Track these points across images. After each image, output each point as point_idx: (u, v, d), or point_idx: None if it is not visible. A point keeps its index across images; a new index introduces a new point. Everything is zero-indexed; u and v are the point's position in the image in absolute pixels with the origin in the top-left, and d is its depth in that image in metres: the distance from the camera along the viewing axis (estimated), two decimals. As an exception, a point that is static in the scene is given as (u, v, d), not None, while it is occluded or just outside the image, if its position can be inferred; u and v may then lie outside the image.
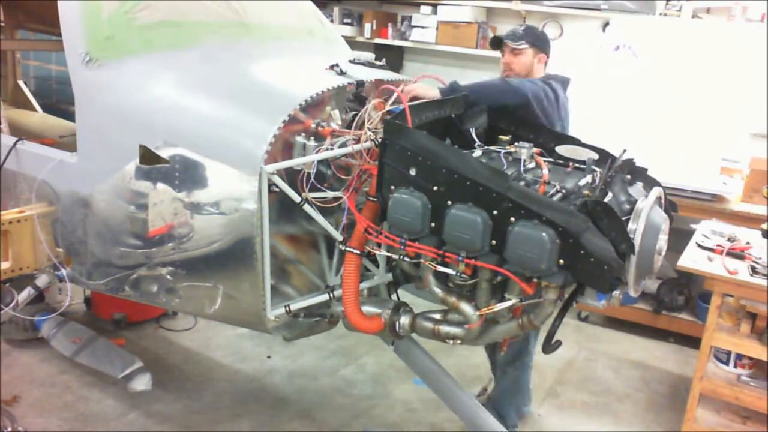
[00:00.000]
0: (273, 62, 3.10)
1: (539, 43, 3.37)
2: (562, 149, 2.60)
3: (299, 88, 2.68)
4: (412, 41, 6.39)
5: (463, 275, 2.34)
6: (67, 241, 3.12)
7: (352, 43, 4.21)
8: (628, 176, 2.49)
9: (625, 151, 2.42)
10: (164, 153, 2.64)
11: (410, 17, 6.44)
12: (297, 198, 2.51)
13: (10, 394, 3.78)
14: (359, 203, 2.60)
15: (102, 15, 2.98)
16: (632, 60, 5.47)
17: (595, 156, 2.53)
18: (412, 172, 2.34)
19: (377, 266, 2.84)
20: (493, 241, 2.22)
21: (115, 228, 2.86)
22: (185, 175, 2.62)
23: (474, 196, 2.24)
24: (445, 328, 2.54)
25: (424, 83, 2.87)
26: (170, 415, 3.81)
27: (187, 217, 2.63)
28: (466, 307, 2.40)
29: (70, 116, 4.18)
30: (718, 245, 3.72)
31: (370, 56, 3.29)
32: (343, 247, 2.59)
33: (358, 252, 2.56)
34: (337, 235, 2.63)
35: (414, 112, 2.57)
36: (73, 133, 3.01)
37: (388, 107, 2.59)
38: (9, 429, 3.46)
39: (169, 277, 2.80)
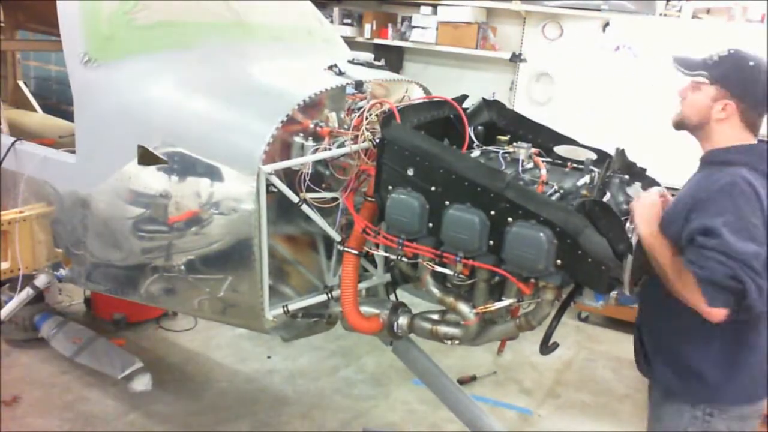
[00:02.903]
0: (271, 62, 3.10)
1: (728, 81, 2.15)
2: (560, 149, 2.59)
3: (298, 88, 2.69)
4: (412, 42, 6.39)
5: (460, 275, 2.33)
6: (66, 241, 3.12)
7: (351, 43, 4.21)
8: (627, 176, 2.49)
9: (620, 149, 2.42)
10: (163, 153, 2.64)
11: (410, 18, 6.44)
12: (295, 198, 2.51)
13: (11, 394, 3.79)
14: (357, 204, 2.60)
15: (101, 15, 2.98)
16: (632, 60, 5.47)
17: (593, 156, 2.53)
18: (410, 172, 2.34)
19: (375, 267, 2.84)
20: (491, 242, 2.22)
21: (114, 228, 2.86)
22: (184, 175, 2.62)
23: (472, 197, 2.23)
24: (443, 329, 2.54)
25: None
26: (170, 416, 3.81)
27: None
28: (464, 308, 2.40)
29: (70, 117, 4.18)
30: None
31: (369, 56, 3.29)
32: (341, 248, 2.59)
33: (357, 252, 2.56)
34: (336, 236, 2.63)
35: (412, 113, 2.57)
36: (73, 134, 3.01)
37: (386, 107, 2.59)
38: None
39: (168, 277, 2.80)
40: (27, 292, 3.29)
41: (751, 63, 2.14)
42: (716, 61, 2.16)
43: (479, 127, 2.76)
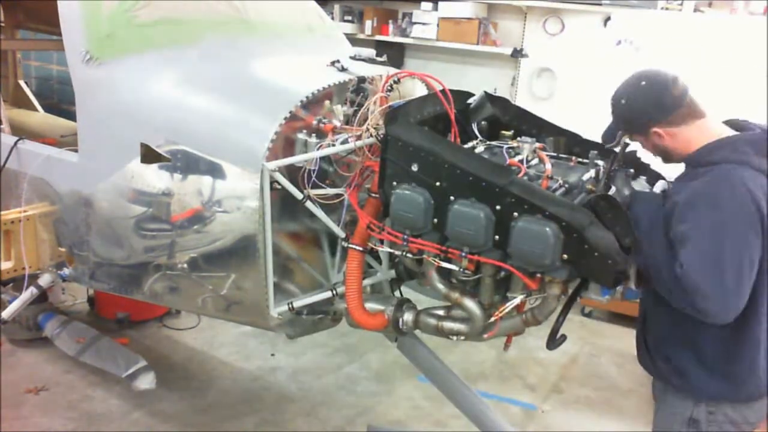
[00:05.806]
0: (274, 59, 3.09)
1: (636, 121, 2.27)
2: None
3: (300, 85, 2.68)
4: (413, 38, 6.38)
5: (466, 271, 2.32)
6: (69, 240, 3.12)
7: (352, 40, 4.20)
8: (632, 170, 2.48)
9: (627, 144, 2.41)
10: (165, 151, 2.63)
11: (411, 14, 6.43)
12: (299, 195, 2.50)
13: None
14: (361, 200, 2.59)
15: (102, 13, 2.98)
16: (634, 55, 5.46)
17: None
18: (414, 167, 2.32)
19: (380, 263, 2.83)
20: (497, 237, 2.21)
21: (117, 227, 2.85)
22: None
23: (477, 192, 2.22)
24: (448, 325, 2.53)
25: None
26: (174, 414, 3.81)
27: (189, 215, 2.63)
28: (470, 303, 2.39)
29: (71, 116, 4.18)
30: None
31: (371, 52, 3.28)
32: (345, 244, 2.58)
33: (361, 249, 2.55)
34: (340, 232, 2.62)
35: (416, 108, 2.55)
36: (75, 133, 3.01)
37: (390, 103, 2.58)
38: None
39: (171, 275, 2.80)
40: (31, 292, 3.28)
41: (643, 83, 2.22)
42: (617, 110, 2.28)
43: (482, 122, 2.75)
